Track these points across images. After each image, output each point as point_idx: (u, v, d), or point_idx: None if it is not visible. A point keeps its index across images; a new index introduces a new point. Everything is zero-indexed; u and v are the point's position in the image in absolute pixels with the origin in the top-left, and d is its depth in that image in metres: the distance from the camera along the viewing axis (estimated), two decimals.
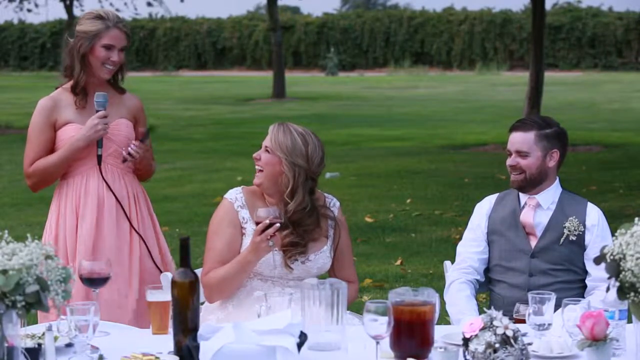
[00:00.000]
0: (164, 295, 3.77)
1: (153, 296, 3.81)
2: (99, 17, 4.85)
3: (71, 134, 4.83)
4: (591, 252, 4.55)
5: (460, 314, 4.49)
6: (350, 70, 44.66)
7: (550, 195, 4.70)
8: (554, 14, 43.07)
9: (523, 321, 3.71)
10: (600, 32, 43.67)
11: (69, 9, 27.75)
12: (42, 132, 4.85)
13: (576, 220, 4.63)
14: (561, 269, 4.61)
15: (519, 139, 4.67)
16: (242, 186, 4.47)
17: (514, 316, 3.91)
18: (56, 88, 4.95)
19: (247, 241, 4.31)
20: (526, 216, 4.69)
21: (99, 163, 4.84)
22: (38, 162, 4.83)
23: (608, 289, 3.25)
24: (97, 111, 4.80)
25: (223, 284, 4.29)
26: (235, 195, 4.40)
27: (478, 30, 44.65)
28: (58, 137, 4.85)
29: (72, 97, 4.88)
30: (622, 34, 43.50)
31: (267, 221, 4.12)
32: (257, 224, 4.17)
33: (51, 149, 4.86)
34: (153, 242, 4.97)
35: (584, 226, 4.62)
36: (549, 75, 21.94)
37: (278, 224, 4.13)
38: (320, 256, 4.39)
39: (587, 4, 50.09)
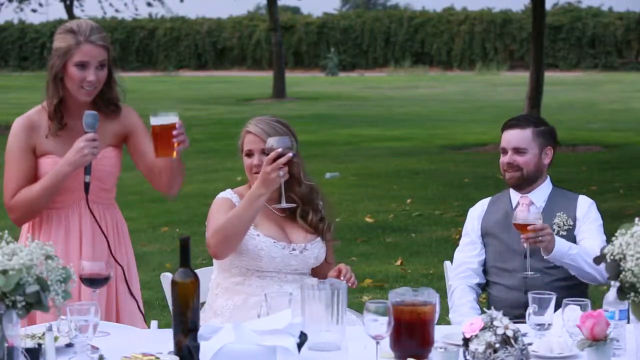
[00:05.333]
0: (168, 118, 3.74)
1: (157, 120, 3.78)
2: (70, 30, 4.21)
3: (49, 169, 4.22)
4: (581, 235, 4.55)
5: (463, 318, 4.48)
6: (351, 70, 44.64)
7: (543, 193, 4.70)
8: (554, 14, 43.05)
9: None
10: (601, 32, 43.66)
11: (69, 9, 27.67)
12: (21, 159, 4.24)
13: (564, 215, 4.62)
14: (556, 266, 4.59)
15: (517, 136, 4.66)
16: (228, 189, 4.44)
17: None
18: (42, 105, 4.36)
19: None
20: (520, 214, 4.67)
21: (86, 191, 4.20)
22: (20, 194, 4.21)
23: (608, 289, 3.25)
24: (86, 132, 4.16)
25: (231, 225, 4.15)
26: (229, 195, 4.40)
27: (478, 30, 44.65)
28: (38, 167, 4.26)
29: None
30: (622, 34, 43.49)
31: (280, 150, 4.02)
32: (265, 153, 4.07)
33: (34, 176, 4.25)
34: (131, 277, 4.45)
35: (574, 220, 4.62)
36: (549, 75, 21.91)
37: (291, 154, 4.03)
38: (315, 245, 4.41)
39: (587, 4, 50.22)
